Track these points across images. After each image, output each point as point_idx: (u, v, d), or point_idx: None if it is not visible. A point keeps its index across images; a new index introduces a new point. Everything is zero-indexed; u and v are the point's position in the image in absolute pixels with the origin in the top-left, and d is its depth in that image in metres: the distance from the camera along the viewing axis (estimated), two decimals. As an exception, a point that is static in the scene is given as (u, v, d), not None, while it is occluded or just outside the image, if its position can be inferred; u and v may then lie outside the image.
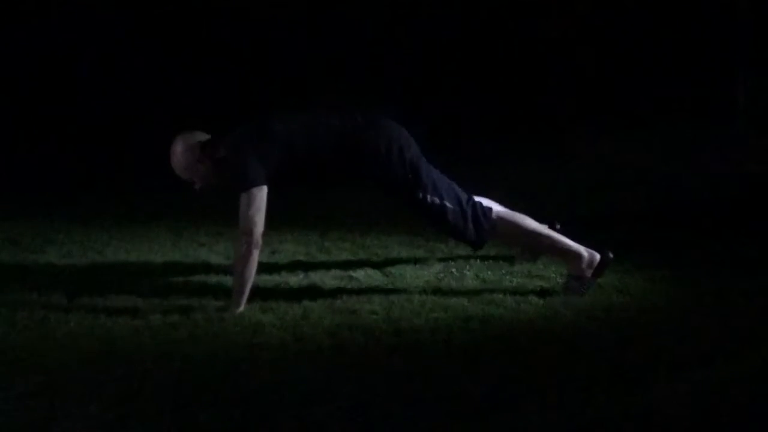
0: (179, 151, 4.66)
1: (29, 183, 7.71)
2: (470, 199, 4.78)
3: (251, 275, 4.50)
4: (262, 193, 4.52)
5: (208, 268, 5.25)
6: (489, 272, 5.04)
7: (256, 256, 4.50)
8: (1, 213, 6.53)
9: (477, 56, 10.97)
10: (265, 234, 4.56)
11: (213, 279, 4.95)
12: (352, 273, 5.10)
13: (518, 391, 3.57)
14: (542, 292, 4.72)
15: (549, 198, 6.64)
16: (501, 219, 4.78)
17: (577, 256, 4.73)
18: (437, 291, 4.77)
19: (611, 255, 4.73)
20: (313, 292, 4.75)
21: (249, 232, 4.48)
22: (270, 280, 4.96)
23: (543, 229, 4.86)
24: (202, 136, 4.71)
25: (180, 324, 4.33)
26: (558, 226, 5.07)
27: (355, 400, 3.49)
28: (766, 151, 8.36)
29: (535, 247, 4.95)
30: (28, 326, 4.33)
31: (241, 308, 4.47)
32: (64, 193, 7.31)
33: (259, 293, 4.63)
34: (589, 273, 4.71)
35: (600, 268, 4.72)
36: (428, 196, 4.69)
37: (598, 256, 4.73)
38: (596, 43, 10.96)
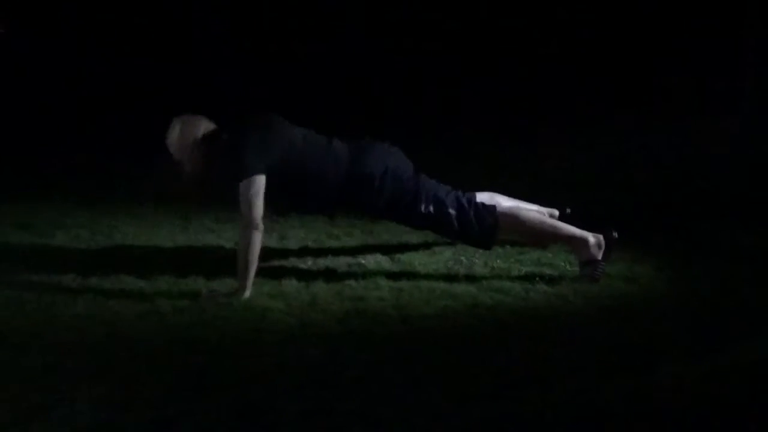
0: (178, 129, 4.69)
1: (38, 167, 7.71)
2: (471, 199, 4.81)
3: (255, 258, 4.50)
4: (261, 180, 4.54)
5: (215, 253, 5.25)
6: (498, 260, 5.03)
7: (258, 239, 4.50)
8: (10, 197, 6.53)
9: (494, 45, 10.97)
10: (267, 218, 4.58)
11: (221, 264, 4.94)
12: (360, 259, 5.09)
13: (525, 378, 3.56)
14: (551, 280, 4.71)
15: (558, 186, 6.62)
16: (504, 214, 4.81)
17: (584, 241, 4.74)
18: (446, 278, 4.76)
19: (615, 233, 4.74)
20: (321, 278, 4.74)
21: (249, 216, 4.50)
22: (278, 265, 4.96)
23: (546, 218, 4.89)
24: (206, 122, 4.73)
25: (187, 309, 4.33)
26: (568, 211, 5.08)
27: (362, 385, 3.49)
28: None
29: (541, 237, 4.95)
30: (36, 309, 4.34)
31: (248, 292, 4.47)
32: (73, 177, 7.31)
33: (267, 279, 4.64)
34: (599, 255, 4.71)
35: (608, 249, 4.73)
36: (430, 207, 4.75)
37: (603, 238, 4.74)
38: (603, 32, 10.94)
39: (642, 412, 3.31)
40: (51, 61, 10.55)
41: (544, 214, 5.01)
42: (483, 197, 4.92)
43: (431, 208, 4.75)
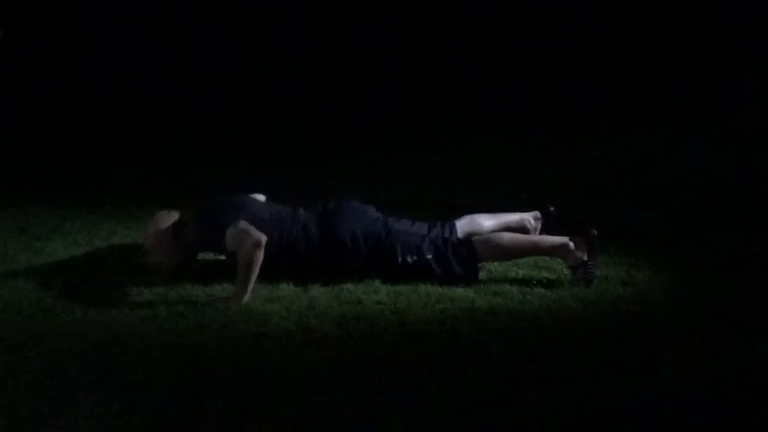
0: (150, 229, 4.85)
1: (36, 171, 7.71)
2: (447, 238, 4.86)
3: (257, 266, 4.53)
4: (243, 222, 4.64)
5: (214, 258, 5.24)
6: (495, 264, 5.03)
7: (260, 256, 4.55)
8: (8, 201, 6.53)
9: (490, 46, 10.95)
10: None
11: (220, 269, 4.94)
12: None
13: (524, 382, 3.57)
14: (548, 284, 4.72)
15: (555, 190, 6.62)
16: (481, 243, 4.85)
17: (565, 247, 4.77)
18: (443, 282, 4.76)
19: (594, 231, 4.75)
20: (319, 282, 4.74)
21: (248, 238, 4.56)
22: (276, 269, 4.95)
23: (522, 237, 4.94)
24: (174, 214, 4.88)
25: (186, 313, 4.33)
26: (551, 209, 5.08)
27: (361, 390, 3.49)
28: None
29: (522, 255, 4.96)
30: (35, 314, 4.35)
31: (246, 298, 4.48)
32: (72, 181, 7.30)
33: (265, 283, 4.64)
34: (585, 257, 4.73)
35: (591, 248, 4.74)
36: (408, 257, 4.80)
37: (584, 239, 4.76)
38: (604, 36, 10.93)
39: (640, 416, 3.32)
40: (51, 64, 10.53)
41: (528, 221, 5.03)
42: (462, 223, 4.95)
43: (408, 259, 4.80)
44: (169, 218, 4.86)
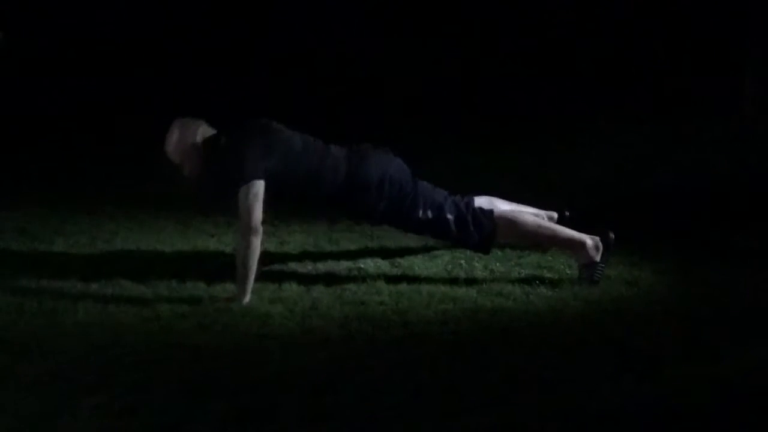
0: (177, 132, 4.71)
1: (37, 172, 7.71)
2: (469, 204, 4.83)
3: (254, 263, 4.51)
4: (259, 185, 4.56)
5: (216, 258, 5.25)
6: (498, 264, 5.03)
7: (257, 244, 4.52)
8: (10, 203, 6.53)
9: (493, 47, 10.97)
10: (268, 223, 4.60)
11: (221, 269, 4.94)
12: (360, 263, 5.10)
13: (526, 382, 3.57)
14: (551, 284, 4.72)
15: (558, 189, 6.63)
16: (502, 219, 4.83)
17: (581, 244, 4.76)
18: (446, 282, 4.77)
19: (612, 235, 4.76)
20: (321, 282, 4.75)
21: (248, 221, 4.51)
22: (279, 270, 4.96)
23: (543, 222, 4.91)
24: (204, 126, 4.75)
25: (189, 314, 4.33)
26: (567, 214, 5.09)
27: (363, 390, 3.49)
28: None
29: (539, 241, 4.96)
30: (37, 315, 4.34)
31: (247, 297, 4.48)
32: (72, 182, 7.31)
33: (267, 284, 4.64)
34: (597, 257, 4.72)
35: (605, 250, 4.74)
36: (429, 212, 4.77)
37: (600, 240, 4.76)
38: (604, 36, 10.94)
39: (644, 416, 3.32)
40: (51, 64, 10.54)
41: (543, 218, 5.03)
42: (481, 201, 4.94)
43: (429, 214, 4.76)
44: (195, 128, 4.73)
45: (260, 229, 4.53)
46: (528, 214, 4.97)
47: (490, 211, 4.83)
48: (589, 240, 4.76)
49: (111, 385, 3.56)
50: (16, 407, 3.38)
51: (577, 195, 6.48)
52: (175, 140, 4.71)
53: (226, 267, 4.78)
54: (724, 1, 10.31)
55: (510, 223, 4.83)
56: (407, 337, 4.08)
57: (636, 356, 3.82)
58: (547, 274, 4.87)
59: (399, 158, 4.91)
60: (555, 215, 5.11)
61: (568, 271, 4.87)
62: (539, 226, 4.86)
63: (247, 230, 4.51)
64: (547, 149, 8.47)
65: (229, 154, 4.64)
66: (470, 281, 4.79)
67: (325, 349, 3.93)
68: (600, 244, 4.75)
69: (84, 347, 3.96)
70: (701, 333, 4.07)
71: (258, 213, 4.53)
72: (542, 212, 5.10)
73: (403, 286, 4.68)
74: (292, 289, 4.65)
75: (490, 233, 4.79)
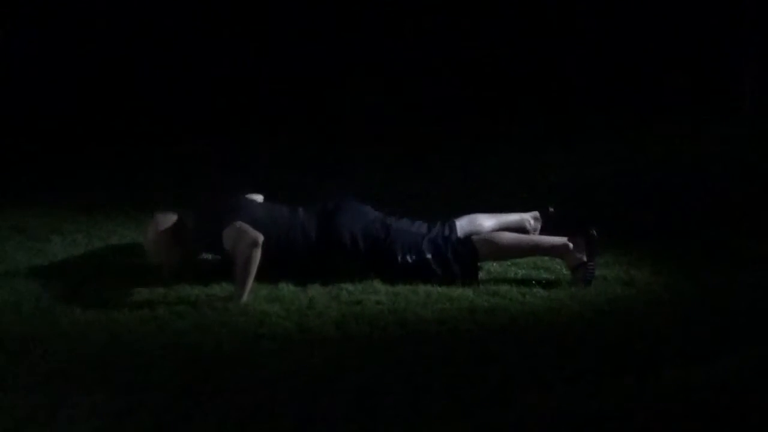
0: (151, 236, 4.84)
1: (35, 171, 7.71)
2: (448, 237, 4.86)
3: (254, 267, 4.53)
4: (241, 222, 4.64)
5: (213, 258, 5.23)
6: (494, 264, 5.03)
7: (257, 255, 4.55)
8: (8, 201, 6.53)
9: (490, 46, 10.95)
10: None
11: (219, 270, 4.94)
12: (357, 263, 5.08)
13: (523, 382, 3.57)
14: (548, 284, 4.72)
15: (555, 190, 6.62)
16: (481, 242, 4.85)
17: (565, 248, 4.78)
18: (443, 282, 4.76)
19: (594, 231, 4.76)
20: (318, 282, 4.74)
21: (247, 239, 4.56)
22: (275, 270, 4.95)
23: (523, 236, 4.95)
24: (171, 215, 4.87)
25: (186, 314, 4.33)
26: (551, 210, 5.09)
27: (360, 390, 3.49)
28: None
29: (522, 254, 4.97)
30: (34, 315, 4.34)
31: (245, 298, 4.48)
32: (70, 181, 7.30)
33: (264, 283, 4.64)
34: (584, 258, 4.73)
35: (591, 249, 4.75)
36: (407, 257, 4.80)
37: (583, 239, 4.76)
38: (604, 35, 10.93)
39: (641, 416, 3.32)
40: (51, 64, 10.53)
41: (528, 220, 5.04)
42: (462, 222, 4.96)
43: (408, 258, 4.80)
44: (167, 219, 4.85)
45: (261, 238, 4.57)
46: (506, 232, 4.95)
47: (468, 239, 4.85)
48: (570, 243, 4.78)
49: (108, 385, 3.56)
50: (14, 407, 3.38)
51: (576, 194, 6.47)
52: (151, 239, 4.83)
53: (224, 267, 4.78)
54: (723, 2, 10.31)
55: (490, 245, 4.84)
56: (404, 336, 4.08)
57: (633, 356, 3.82)
58: (544, 275, 4.87)
59: (365, 206, 4.96)
60: (537, 215, 5.11)
61: (565, 272, 4.86)
62: (520, 241, 4.89)
63: (248, 244, 4.56)
64: (546, 148, 8.46)
65: (204, 218, 4.80)
66: (466, 281, 4.78)
67: (322, 348, 3.93)
68: (583, 244, 4.75)
69: (81, 347, 3.96)
70: (699, 333, 4.07)
71: (252, 231, 4.59)
72: (526, 215, 5.09)
73: (400, 286, 4.67)
74: (289, 288, 4.65)
75: (471, 261, 4.81)
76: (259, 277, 4.59)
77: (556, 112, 9.82)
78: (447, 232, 4.90)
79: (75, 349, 3.94)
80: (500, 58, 10.91)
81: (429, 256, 4.80)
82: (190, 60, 10.62)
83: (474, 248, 4.82)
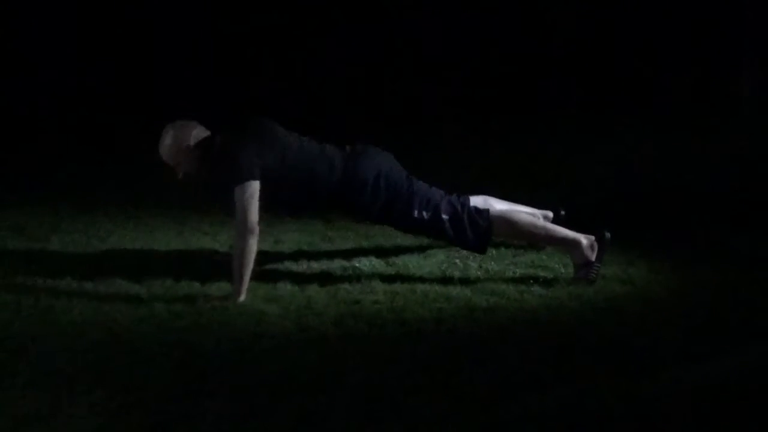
0: (170, 135, 4.72)
1: (34, 171, 7.72)
2: (464, 204, 4.83)
3: (250, 263, 4.51)
4: (255, 185, 4.57)
5: (211, 257, 5.25)
6: (492, 263, 5.04)
7: (253, 244, 4.52)
8: (6, 201, 6.53)
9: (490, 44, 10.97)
10: (264, 222, 4.60)
11: (216, 268, 4.95)
12: (355, 263, 5.09)
13: (521, 381, 3.57)
14: (546, 283, 4.72)
15: (556, 187, 6.64)
16: (497, 218, 4.83)
17: (576, 243, 4.77)
18: (441, 281, 4.77)
19: (608, 234, 4.76)
20: (316, 281, 4.75)
21: (244, 221, 4.51)
22: (274, 269, 4.96)
23: (538, 222, 4.93)
24: (198, 128, 4.76)
25: (184, 313, 4.33)
26: (562, 213, 5.10)
27: (359, 389, 3.49)
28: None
29: (534, 240, 4.97)
30: (33, 314, 4.34)
31: (243, 296, 4.48)
32: (69, 181, 7.31)
33: (263, 282, 4.64)
34: (592, 257, 4.73)
35: (601, 250, 4.75)
36: (424, 212, 4.77)
37: (595, 240, 4.76)
38: (603, 33, 10.94)
39: (639, 415, 3.32)
40: (50, 63, 10.56)
41: (538, 217, 5.04)
42: (476, 201, 4.94)
43: (424, 213, 4.76)
44: (189, 130, 4.74)
45: (257, 228, 4.53)
46: (523, 213, 4.98)
47: (486, 211, 4.84)
48: (584, 239, 4.77)
49: (108, 384, 3.56)
50: (13, 406, 3.38)
51: (575, 193, 6.48)
52: (168, 143, 4.71)
53: (222, 265, 4.78)
54: (723, 2, 10.32)
55: (505, 222, 4.83)
56: (402, 336, 4.08)
57: (632, 356, 3.82)
58: (542, 273, 4.87)
59: (393, 157, 4.92)
60: (550, 214, 5.13)
61: (563, 270, 4.87)
62: (534, 225, 4.87)
63: (244, 230, 4.52)
64: (546, 148, 8.47)
65: (224, 155, 4.65)
66: (465, 280, 4.79)
67: (320, 347, 3.93)
68: (595, 244, 4.75)
69: (80, 346, 3.96)
70: (698, 332, 4.07)
71: (254, 213, 4.54)
72: (538, 211, 5.11)
73: (398, 285, 4.68)
74: (287, 287, 4.66)
75: (485, 233, 4.79)
76: (258, 277, 4.60)
77: (556, 112, 9.84)
78: (465, 200, 4.89)
79: (73, 347, 3.93)
80: (501, 58, 10.93)
81: (446, 216, 4.77)
82: (189, 56, 10.65)
83: (490, 222, 4.80)
